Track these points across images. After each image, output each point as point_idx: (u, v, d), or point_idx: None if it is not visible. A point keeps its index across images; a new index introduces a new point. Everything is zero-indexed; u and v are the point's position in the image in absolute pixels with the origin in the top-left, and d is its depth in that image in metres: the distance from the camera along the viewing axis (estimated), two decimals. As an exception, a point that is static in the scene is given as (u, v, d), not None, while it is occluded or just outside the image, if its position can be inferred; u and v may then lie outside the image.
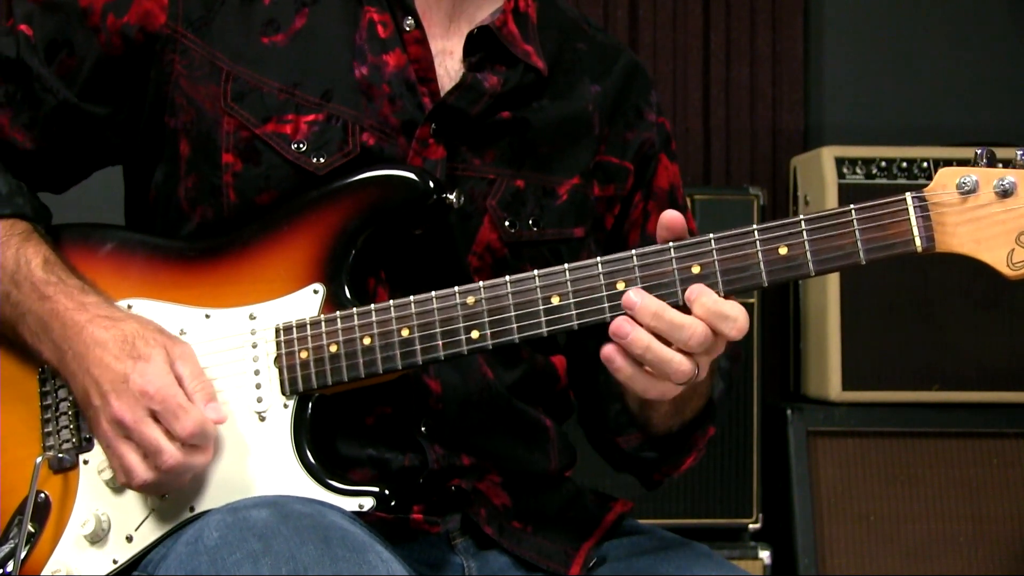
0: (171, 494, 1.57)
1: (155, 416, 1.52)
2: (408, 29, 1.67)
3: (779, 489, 3.27)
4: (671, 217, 1.49)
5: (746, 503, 3.24)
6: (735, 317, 1.45)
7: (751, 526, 3.24)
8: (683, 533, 1.77)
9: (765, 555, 3.21)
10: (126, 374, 1.53)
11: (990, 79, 3.81)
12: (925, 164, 3.27)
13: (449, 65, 1.70)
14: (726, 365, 1.74)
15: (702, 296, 1.46)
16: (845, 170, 3.29)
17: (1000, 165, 1.45)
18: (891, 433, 3.26)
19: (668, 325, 1.45)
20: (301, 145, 1.63)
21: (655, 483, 1.81)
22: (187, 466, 1.52)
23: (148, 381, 1.52)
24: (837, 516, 3.23)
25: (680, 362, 1.46)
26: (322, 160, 1.62)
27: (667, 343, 1.46)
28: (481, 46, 1.69)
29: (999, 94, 3.81)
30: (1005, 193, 1.42)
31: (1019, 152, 1.42)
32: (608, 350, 1.48)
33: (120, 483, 1.56)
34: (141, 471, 1.52)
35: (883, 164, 3.29)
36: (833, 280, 3.25)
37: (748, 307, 1.48)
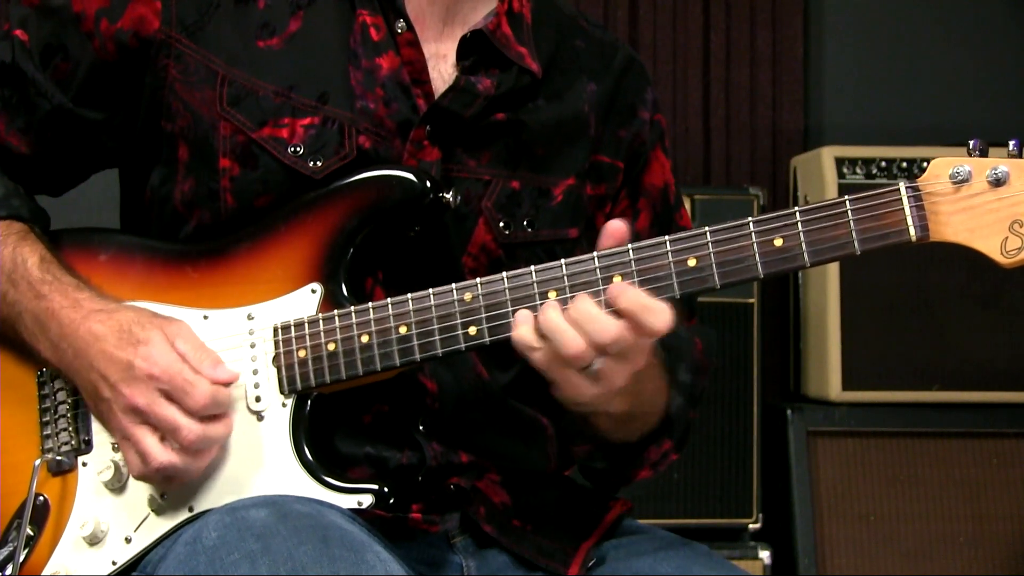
0: (170, 494, 1.58)
1: (167, 396, 1.52)
2: (400, 31, 1.67)
3: (779, 489, 3.27)
4: (615, 227, 1.50)
5: (746, 503, 3.24)
6: (661, 310, 1.44)
7: (751, 526, 3.24)
8: (683, 533, 1.76)
9: (765, 555, 3.21)
10: (130, 361, 1.53)
11: (990, 79, 3.82)
12: (925, 164, 3.25)
13: (443, 69, 1.69)
14: (687, 379, 1.73)
15: (627, 291, 1.45)
16: (845, 170, 3.29)
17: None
18: (891, 433, 3.26)
19: (585, 315, 1.45)
20: (298, 148, 1.63)
21: (607, 493, 1.80)
22: (207, 439, 1.53)
23: (153, 363, 1.53)
24: (837, 516, 3.23)
25: (573, 336, 1.44)
26: (318, 164, 1.62)
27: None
28: (475, 50, 1.69)
29: (999, 94, 3.81)
30: (998, 182, 1.43)
31: (1012, 142, 1.43)
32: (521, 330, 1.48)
33: (136, 473, 1.56)
34: (159, 452, 1.52)
35: (883, 164, 3.30)
36: (833, 280, 3.25)
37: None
